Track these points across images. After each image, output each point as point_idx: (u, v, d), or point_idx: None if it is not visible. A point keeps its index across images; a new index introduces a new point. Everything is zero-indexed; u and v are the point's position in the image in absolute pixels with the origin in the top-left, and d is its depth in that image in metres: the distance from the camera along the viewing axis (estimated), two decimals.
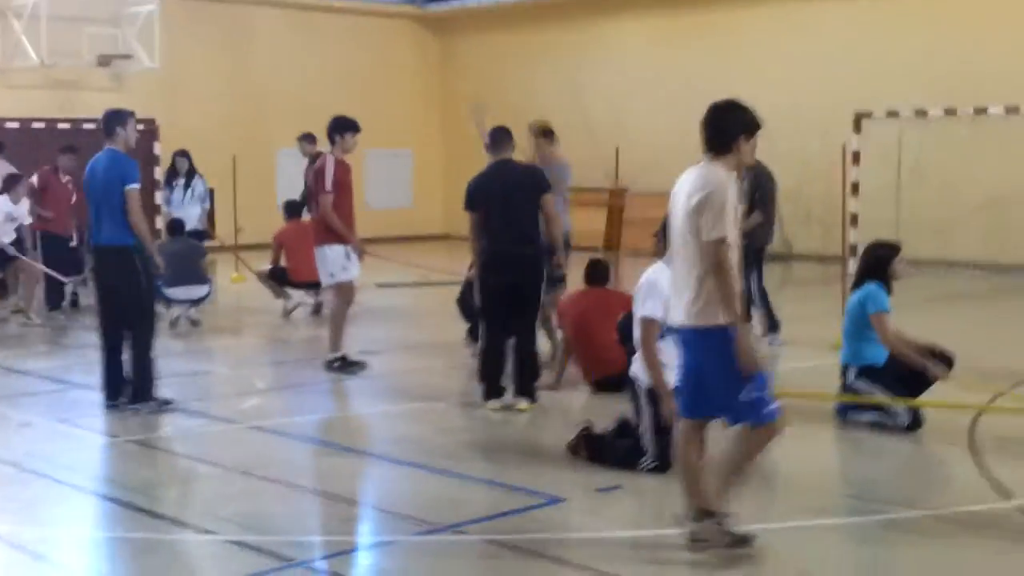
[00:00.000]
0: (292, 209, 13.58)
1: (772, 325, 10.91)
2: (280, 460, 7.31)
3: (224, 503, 6.34)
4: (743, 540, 5.29)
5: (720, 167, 5.19)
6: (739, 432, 5.25)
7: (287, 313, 13.19)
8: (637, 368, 6.75)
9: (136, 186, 8.19)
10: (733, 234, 5.09)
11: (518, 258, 8.29)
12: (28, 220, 13.05)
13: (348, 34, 23.91)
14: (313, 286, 12.39)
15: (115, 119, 8.36)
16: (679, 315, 5.26)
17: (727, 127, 5.26)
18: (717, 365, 5.13)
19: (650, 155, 20.35)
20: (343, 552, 5.56)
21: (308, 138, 14.17)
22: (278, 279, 13.31)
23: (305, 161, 14.03)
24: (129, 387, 8.30)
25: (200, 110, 21.80)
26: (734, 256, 5.11)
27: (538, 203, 8.38)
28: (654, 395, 6.57)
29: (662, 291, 6.56)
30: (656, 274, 6.67)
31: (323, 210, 9.71)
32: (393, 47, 24.74)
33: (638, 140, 20.94)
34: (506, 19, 23.90)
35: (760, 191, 10.67)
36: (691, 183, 5.19)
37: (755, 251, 10.72)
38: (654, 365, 6.57)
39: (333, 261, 9.77)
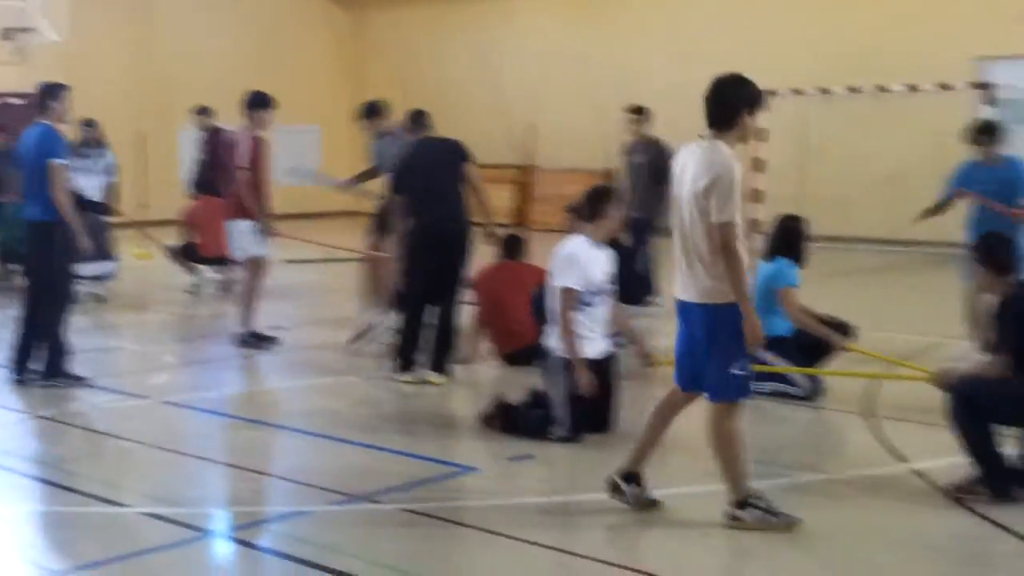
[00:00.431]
0: (202, 186, 13.46)
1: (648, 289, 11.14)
2: (193, 434, 7.33)
3: (137, 477, 6.35)
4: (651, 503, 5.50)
5: (724, 144, 5.16)
6: (711, 416, 5.37)
7: (194, 289, 13.11)
8: (551, 339, 6.88)
9: (60, 161, 8.10)
10: (740, 214, 5.13)
11: (451, 234, 8.39)
12: None
13: (257, 9, 23.63)
14: (222, 262, 12.34)
15: (48, 93, 8.26)
16: (683, 292, 5.30)
17: (731, 101, 5.20)
18: (716, 339, 5.21)
19: (562, 132, 20.50)
20: (258, 522, 5.60)
21: (204, 111, 14.07)
22: (188, 255, 13.21)
23: (202, 135, 14.05)
24: (39, 362, 8.23)
25: (105, 85, 21.40)
26: (741, 235, 5.14)
27: (461, 175, 8.46)
28: (568, 365, 6.70)
29: (581, 263, 6.72)
30: (575, 246, 6.80)
31: (239, 185, 9.67)
32: (303, 22, 24.52)
33: (550, 117, 21.06)
34: None
35: (660, 165, 10.84)
36: (697, 163, 5.16)
37: (648, 223, 10.94)
38: (570, 335, 6.70)
39: (245, 236, 9.74)
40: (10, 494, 6.08)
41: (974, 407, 5.49)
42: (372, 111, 10.15)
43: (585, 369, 6.66)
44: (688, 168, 5.20)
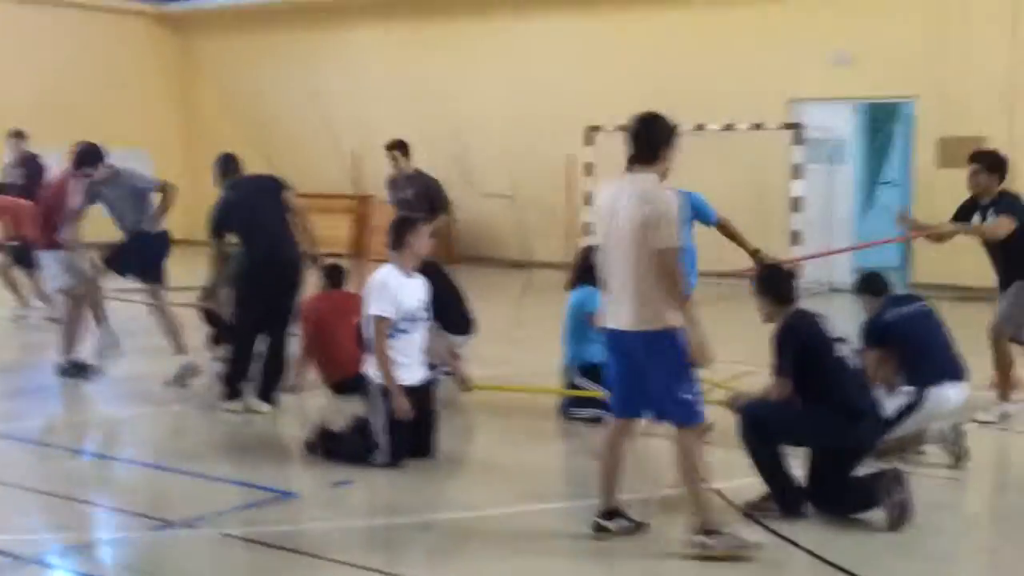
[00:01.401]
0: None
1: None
2: (7, 464, 7.23)
3: None
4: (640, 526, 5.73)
5: (652, 177, 5.38)
6: (676, 441, 5.51)
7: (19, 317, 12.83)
8: (370, 366, 7.05)
9: None
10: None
11: (281, 264, 8.54)
12: None
13: (79, 32, 23.16)
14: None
15: None
16: (621, 321, 5.43)
17: (654, 137, 5.42)
18: (662, 364, 5.36)
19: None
20: (78, 548, 5.61)
21: (19, 135, 13.85)
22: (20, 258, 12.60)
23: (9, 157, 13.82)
24: None
25: None
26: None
27: (284, 206, 8.61)
28: (386, 392, 6.89)
29: (391, 291, 6.93)
30: (386, 275, 7.01)
31: (67, 228, 9.61)
32: (128, 45, 24.11)
33: (378, 146, 21.22)
34: (243, 21, 23.73)
35: (436, 197, 11.09)
36: (633, 197, 5.32)
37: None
38: (385, 362, 6.89)
39: (61, 265, 9.68)
40: None
41: (762, 429, 5.87)
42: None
43: (401, 395, 6.85)
44: (623, 201, 5.36)
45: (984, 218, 8.36)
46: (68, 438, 8.05)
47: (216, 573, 5.28)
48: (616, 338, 5.52)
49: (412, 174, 11.58)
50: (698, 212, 8.08)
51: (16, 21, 22.35)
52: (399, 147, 11.72)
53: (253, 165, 9.80)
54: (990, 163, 8.44)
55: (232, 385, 8.52)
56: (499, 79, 20.41)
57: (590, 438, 7.86)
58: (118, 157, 10.18)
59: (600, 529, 5.68)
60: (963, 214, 8.58)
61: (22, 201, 12.22)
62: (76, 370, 9.59)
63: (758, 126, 16.77)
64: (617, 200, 5.42)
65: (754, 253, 8.08)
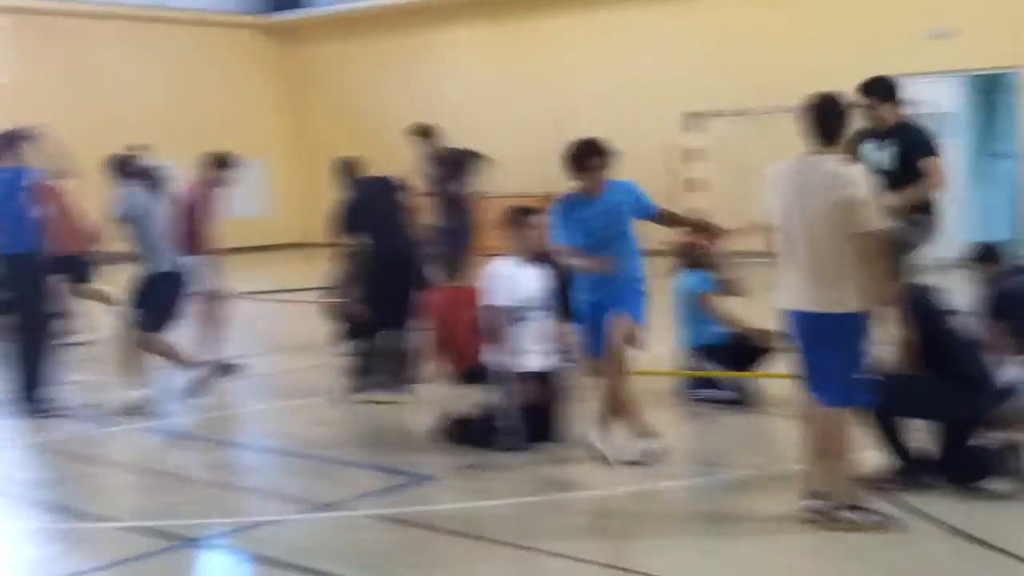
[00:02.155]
0: None
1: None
2: (169, 455, 7.75)
3: (119, 495, 6.77)
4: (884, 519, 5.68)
5: (835, 158, 5.43)
6: (823, 420, 5.57)
7: None
8: (491, 355, 7.37)
9: None
10: None
11: (404, 261, 9.13)
12: None
13: (191, 46, 23.97)
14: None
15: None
16: (802, 302, 5.48)
17: (833, 118, 5.47)
18: (841, 346, 5.43)
19: (505, 161, 21.03)
20: (236, 529, 6.04)
21: (138, 152, 14.24)
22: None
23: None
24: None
25: (46, 123, 21.62)
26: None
27: (403, 205, 9.32)
28: (510, 379, 7.20)
29: (507, 281, 7.24)
30: (501, 266, 7.35)
31: (205, 234, 10.09)
32: (238, 57, 24.89)
33: (488, 146, 21.57)
34: (347, 27, 24.32)
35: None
36: (820, 179, 5.37)
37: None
38: (503, 349, 7.19)
39: (204, 270, 10.14)
40: (4, 513, 6.49)
41: (882, 401, 6.03)
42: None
43: (520, 382, 7.16)
44: (802, 183, 5.44)
45: None
46: (219, 430, 8.56)
47: (365, 551, 5.64)
48: (798, 319, 5.55)
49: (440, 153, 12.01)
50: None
51: (132, 38, 23.21)
52: (424, 132, 12.26)
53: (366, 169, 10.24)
54: None
55: (362, 378, 8.96)
56: (600, 71, 20.64)
57: (710, 417, 8.15)
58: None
59: (814, 512, 5.64)
60: None
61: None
62: (221, 369, 10.06)
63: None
64: (798, 183, 5.46)
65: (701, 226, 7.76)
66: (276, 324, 14.04)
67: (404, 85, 23.30)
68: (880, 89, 7.69)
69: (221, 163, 10.23)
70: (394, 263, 9.01)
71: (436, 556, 5.62)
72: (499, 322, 7.20)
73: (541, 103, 20.80)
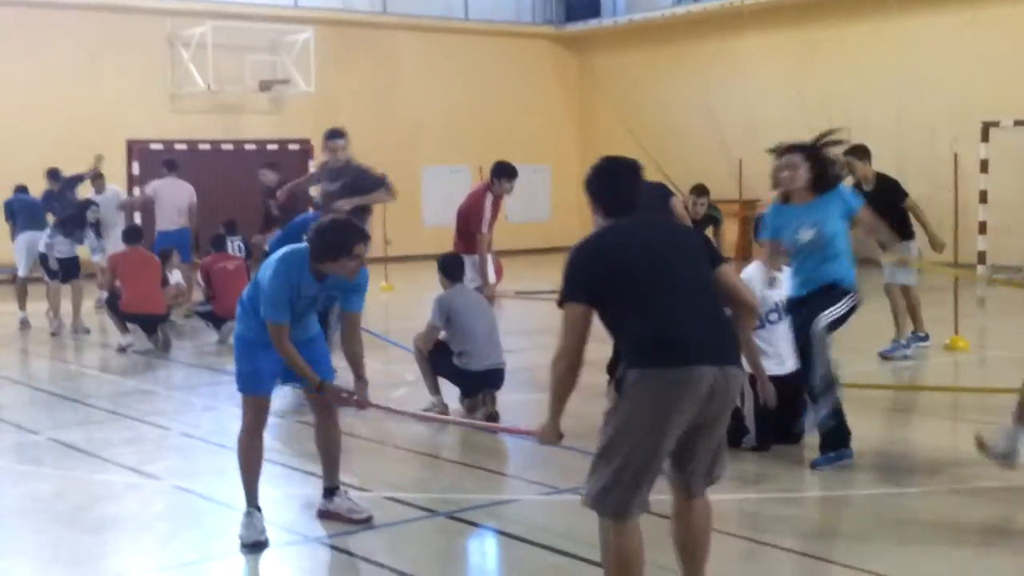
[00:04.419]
0: (131, 236, 13.05)
1: None
2: (429, 438, 8.36)
3: (380, 469, 7.39)
4: None
5: None
6: None
7: (121, 350, 12.36)
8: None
9: None
10: None
11: None
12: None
13: (489, 55, 25.04)
14: (144, 320, 12.25)
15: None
16: None
17: None
18: None
19: None
20: (483, 506, 6.52)
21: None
22: (115, 309, 12.45)
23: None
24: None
25: (350, 130, 23.07)
26: None
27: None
28: (753, 381, 7.36)
29: (756, 285, 7.41)
30: (750, 271, 7.57)
31: (480, 250, 10.50)
32: (533, 66, 25.79)
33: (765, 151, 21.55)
34: (640, 36, 24.76)
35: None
36: None
37: None
38: (752, 352, 7.33)
39: (473, 269, 10.66)
40: (281, 480, 7.22)
41: None
42: None
43: (766, 384, 7.28)
44: None
45: None
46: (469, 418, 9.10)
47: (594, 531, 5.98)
48: None
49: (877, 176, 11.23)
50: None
51: (434, 48, 24.44)
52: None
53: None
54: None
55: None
56: (887, 79, 20.22)
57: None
58: (523, 172, 11.17)
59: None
60: None
61: (137, 255, 12.64)
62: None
63: None
64: None
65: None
66: (545, 322, 14.56)
67: (687, 93, 23.53)
68: None
69: (505, 171, 10.69)
70: None
71: (665, 542, 5.87)
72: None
73: (822, 110, 20.56)
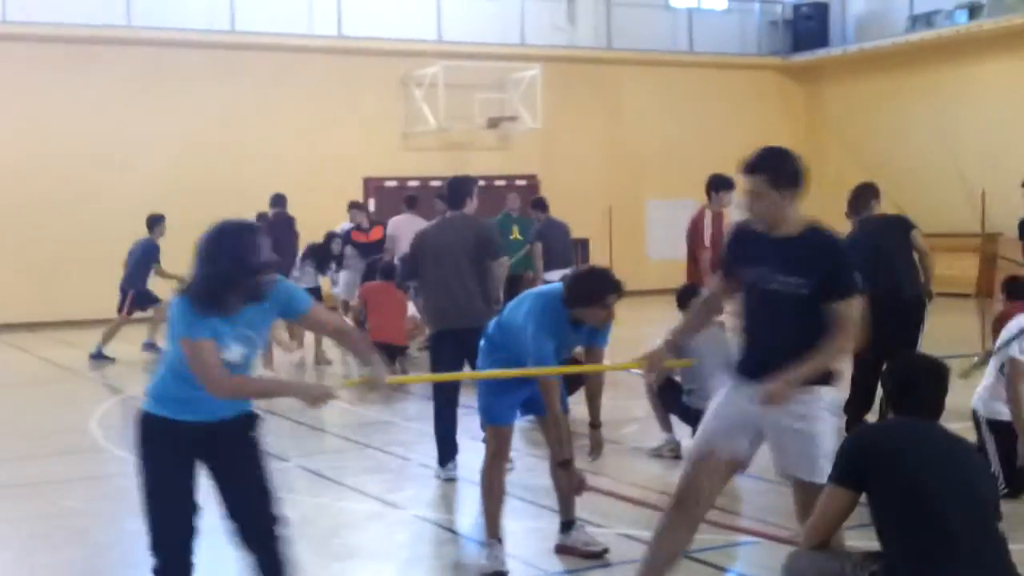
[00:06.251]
0: (388, 273, 13.65)
1: None
2: (660, 474, 8.36)
3: (614, 505, 7.45)
4: None
5: None
6: None
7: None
8: (978, 399, 7.27)
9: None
10: None
11: (905, 301, 9.11)
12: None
13: (712, 88, 24.91)
14: (386, 349, 12.01)
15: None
16: None
17: None
18: None
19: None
20: (718, 548, 6.49)
21: (358, 207, 16.00)
22: None
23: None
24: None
25: (576, 165, 23.44)
26: None
27: (909, 244, 9.32)
28: (994, 426, 7.06)
29: None
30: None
31: (703, 267, 10.38)
32: (759, 98, 25.49)
33: (1010, 183, 20.69)
34: (870, 65, 24.17)
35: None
36: None
37: None
38: (1019, 405, 6.98)
39: None
40: (518, 512, 7.36)
41: None
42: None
43: None
44: None
45: None
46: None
47: None
48: None
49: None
50: None
51: (660, 81, 24.51)
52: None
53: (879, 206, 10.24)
54: None
55: (854, 419, 8.95)
56: None
57: None
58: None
59: None
60: None
61: (386, 289, 13.25)
62: None
63: None
64: None
65: None
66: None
67: (921, 121, 22.83)
68: None
69: (718, 184, 10.63)
70: (891, 302, 8.93)
71: None
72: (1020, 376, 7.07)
73: None
